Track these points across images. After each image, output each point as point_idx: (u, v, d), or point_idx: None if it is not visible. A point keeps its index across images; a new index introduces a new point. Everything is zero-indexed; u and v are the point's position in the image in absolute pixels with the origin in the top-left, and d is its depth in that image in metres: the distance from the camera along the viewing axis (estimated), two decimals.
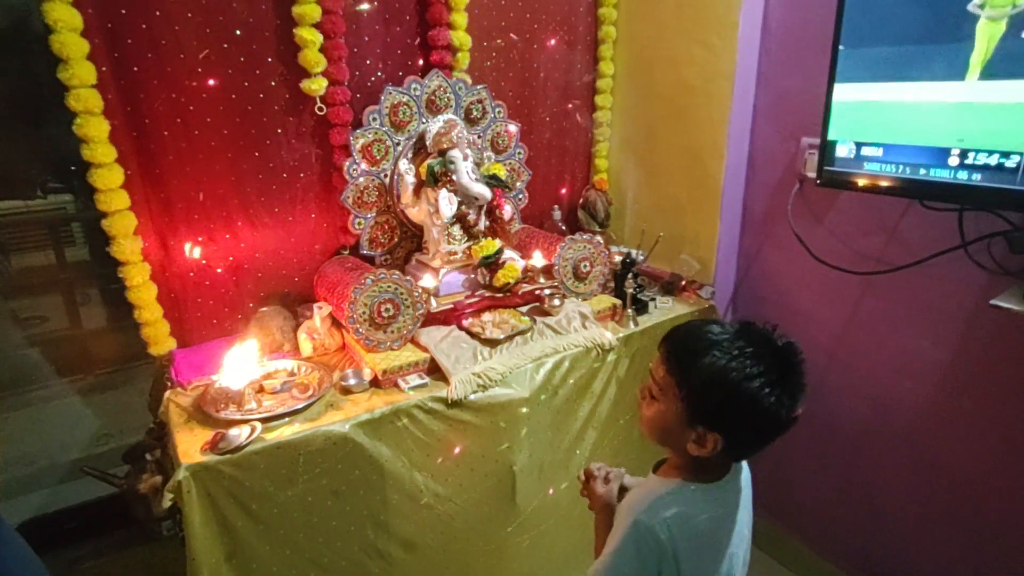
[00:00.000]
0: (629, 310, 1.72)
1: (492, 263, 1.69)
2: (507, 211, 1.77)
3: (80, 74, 1.27)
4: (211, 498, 1.18)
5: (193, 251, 1.55)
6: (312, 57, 1.51)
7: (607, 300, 1.77)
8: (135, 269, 1.44)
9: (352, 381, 1.39)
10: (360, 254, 1.74)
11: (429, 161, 1.64)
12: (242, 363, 1.40)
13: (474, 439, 1.45)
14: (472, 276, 1.72)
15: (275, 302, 1.66)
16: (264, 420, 1.26)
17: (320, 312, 1.54)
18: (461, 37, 1.74)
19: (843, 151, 1.43)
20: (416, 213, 1.69)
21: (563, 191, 2.18)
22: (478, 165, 1.78)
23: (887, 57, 1.31)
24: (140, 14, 1.36)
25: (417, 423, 1.38)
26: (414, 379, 1.42)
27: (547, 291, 1.70)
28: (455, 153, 1.62)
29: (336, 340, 1.58)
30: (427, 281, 1.63)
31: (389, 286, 1.46)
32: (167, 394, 1.39)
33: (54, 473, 1.93)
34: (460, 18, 1.72)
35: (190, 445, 1.21)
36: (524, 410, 1.49)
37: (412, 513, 1.42)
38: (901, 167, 1.34)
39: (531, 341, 1.57)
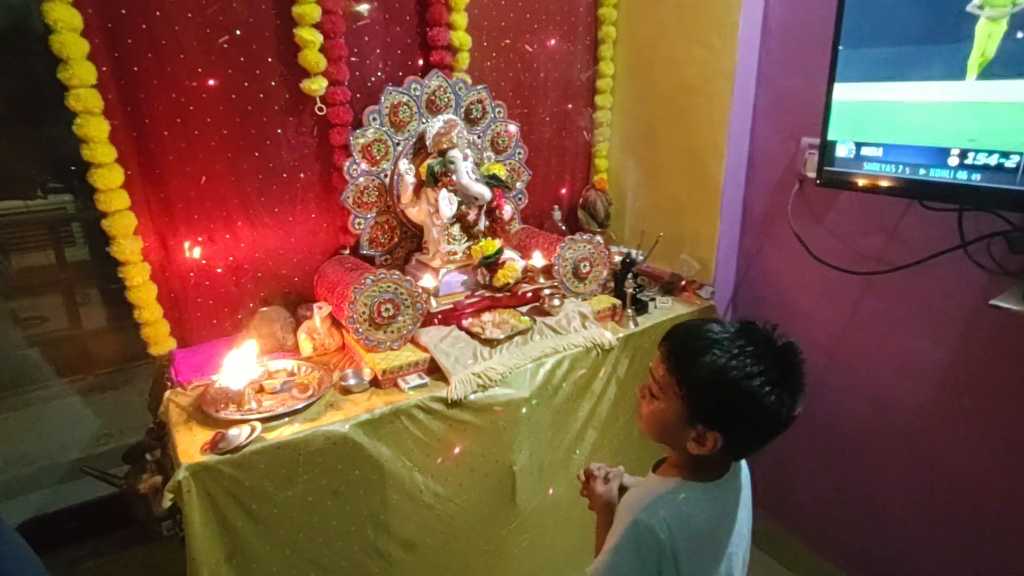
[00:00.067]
0: (629, 310, 1.72)
1: (492, 263, 1.69)
2: (507, 211, 1.78)
3: (80, 74, 1.27)
4: (211, 498, 1.18)
5: (193, 251, 1.55)
6: (312, 57, 1.52)
7: (607, 300, 1.77)
8: (135, 269, 1.44)
9: (352, 381, 1.39)
10: (360, 254, 1.74)
11: (429, 161, 1.64)
12: (242, 363, 1.40)
13: (474, 439, 1.45)
14: (472, 276, 1.72)
15: (275, 302, 1.66)
16: (264, 420, 1.26)
17: (320, 312, 1.54)
18: (461, 37, 1.74)
19: (843, 151, 1.43)
20: (416, 213, 1.69)
21: (563, 191, 2.18)
22: (478, 165, 1.78)
23: (887, 57, 1.31)
24: (140, 14, 1.36)
25: (417, 423, 1.38)
26: (414, 379, 1.42)
27: (547, 291, 1.70)
28: (455, 153, 1.62)
29: (336, 340, 1.58)
30: (427, 281, 1.63)
31: (389, 286, 1.46)
32: (167, 394, 1.39)
33: (54, 473, 1.93)
34: (460, 18, 1.72)
35: (190, 445, 1.21)
36: (524, 410, 1.49)
37: (412, 513, 1.42)
38: (901, 167, 1.34)
39: (531, 341, 1.57)
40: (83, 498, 1.89)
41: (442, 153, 1.64)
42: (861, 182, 1.41)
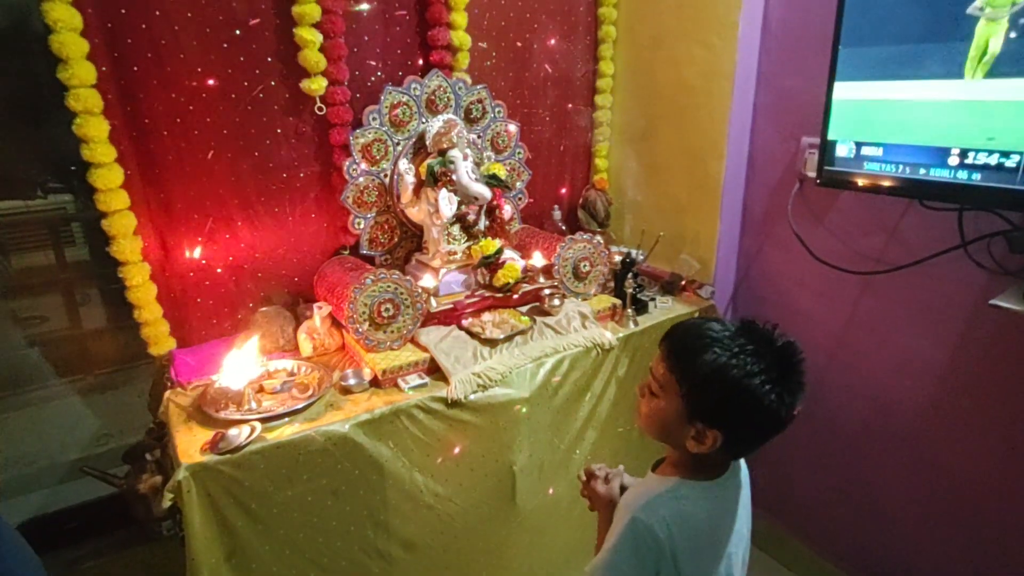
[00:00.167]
0: (629, 310, 1.72)
1: (492, 263, 1.69)
2: (507, 211, 1.78)
3: (80, 74, 1.27)
4: (211, 498, 1.18)
5: (193, 251, 1.55)
6: (312, 57, 1.51)
7: (607, 300, 1.77)
8: (135, 269, 1.44)
9: (352, 381, 1.39)
10: (360, 254, 1.74)
11: (429, 161, 1.64)
12: (242, 363, 1.40)
13: (474, 439, 1.45)
14: (472, 276, 1.72)
15: (275, 302, 1.66)
16: (264, 420, 1.26)
17: (320, 312, 1.54)
18: (461, 37, 1.74)
19: (843, 151, 1.43)
20: (416, 213, 1.69)
21: (563, 191, 2.18)
22: (478, 165, 1.78)
23: (887, 56, 1.31)
24: (140, 14, 1.36)
25: (417, 423, 1.38)
26: (414, 379, 1.42)
27: (547, 291, 1.70)
28: (455, 153, 1.62)
29: (336, 340, 1.58)
30: (427, 281, 1.63)
31: (389, 286, 1.46)
32: (167, 394, 1.39)
33: (54, 473, 1.93)
34: (460, 18, 1.72)
35: (190, 445, 1.21)
36: (524, 410, 1.49)
37: (412, 513, 1.42)
38: (901, 167, 1.34)
39: (531, 341, 1.57)
40: (83, 498, 1.88)
41: (442, 153, 1.63)
42: (861, 182, 1.41)
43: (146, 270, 1.46)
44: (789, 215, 1.72)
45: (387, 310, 1.45)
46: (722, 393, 0.84)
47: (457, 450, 1.44)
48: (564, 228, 2.10)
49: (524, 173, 1.96)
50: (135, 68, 1.39)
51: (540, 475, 1.59)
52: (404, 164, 1.69)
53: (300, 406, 1.31)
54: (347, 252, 1.75)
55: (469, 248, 1.71)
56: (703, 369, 0.85)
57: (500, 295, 1.69)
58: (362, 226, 1.70)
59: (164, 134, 1.45)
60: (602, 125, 2.15)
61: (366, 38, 1.66)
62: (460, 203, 1.65)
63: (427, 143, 1.66)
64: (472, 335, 1.54)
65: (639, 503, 0.91)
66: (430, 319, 1.56)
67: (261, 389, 1.38)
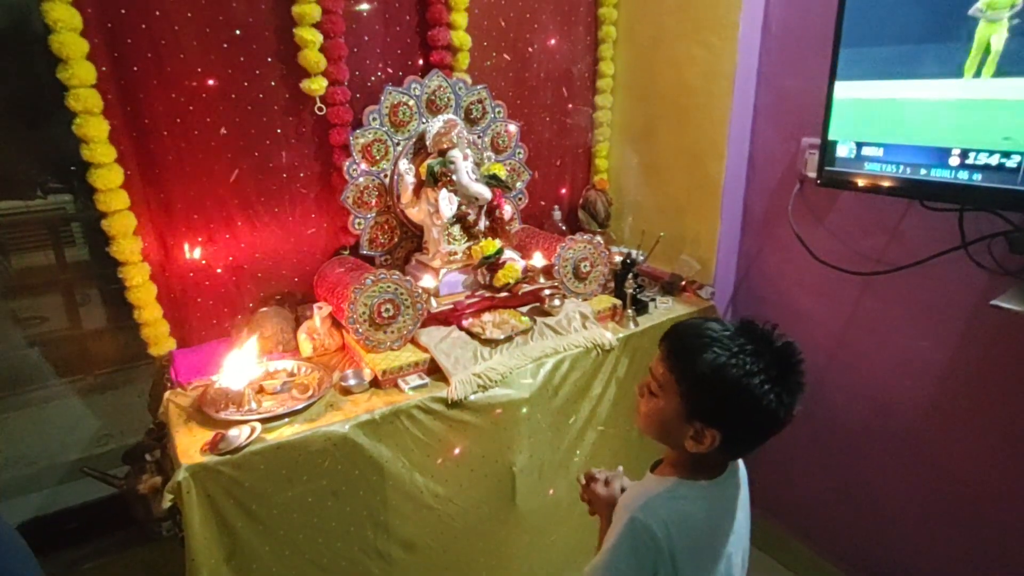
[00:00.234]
0: (629, 310, 1.72)
1: (492, 263, 1.69)
2: (507, 211, 1.77)
3: (80, 74, 1.27)
4: (211, 499, 1.18)
5: (193, 251, 1.55)
6: (312, 57, 1.51)
7: (607, 300, 1.77)
8: (135, 269, 1.44)
9: (352, 381, 1.39)
10: (360, 254, 1.74)
11: (429, 161, 1.64)
12: (242, 363, 1.40)
13: (474, 440, 1.45)
14: (472, 276, 1.72)
15: (275, 302, 1.66)
16: (264, 421, 1.26)
17: (320, 312, 1.54)
18: (461, 37, 1.74)
19: (843, 151, 1.43)
20: (416, 213, 1.69)
21: (563, 191, 2.18)
22: (478, 165, 1.78)
23: (888, 56, 1.31)
24: (140, 14, 1.36)
25: (417, 424, 1.37)
26: (414, 379, 1.42)
27: (547, 291, 1.69)
28: (455, 153, 1.62)
29: (336, 340, 1.58)
30: (427, 281, 1.63)
31: (389, 286, 1.46)
32: (167, 394, 1.39)
33: (54, 474, 1.93)
34: (460, 18, 1.72)
35: (190, 446, 1.21)
36: (524, 410, 1.49)
37: (412, 514, 1.42)
38: (901, 167, 1.34)
39: (531, 341, 1.57)
40: (83, 499, 1.89)
41: (442, 153, 1.63)
42: (862, 182, 1.41)
43: (146, 270, 1.46)
44: (789, 215, 1.72)
45: (387, 310, 1.45)
46: (721, 392, 0.84)
47: (457, 451, 1.44)
48: (564, 228, 2.10)
49: (524, 173, 1.96)
50: (135, 68, 1.39)
51: (540, 476, 1.59)
52: (404, 164, 1.69)
53: (300, 407, 1.31)
54: (347, 252, 1.75)
55: (469, 248, 1.71)
56: (702, 368, 0.85)
57: (500, 295, 1.69)
58: (362, 226, 1.70)
59: (164, 134, 1.45)
60: (602, 125, 2.15)
61: (366, 38, 1.66)
62: (460, 203, 1.65)
63: (427, 143, 1.66)
64: (472, 335, 1.54)
65: (637, 503, 0.91)
66: (430, 319, 1.56)
67: (261, 390, 1.38)
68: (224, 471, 1.18)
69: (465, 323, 1.58)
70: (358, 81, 1.66)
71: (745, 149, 1.82)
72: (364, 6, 1.63)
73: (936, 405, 1.53)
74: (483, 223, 1.74)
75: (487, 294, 1.70)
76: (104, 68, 1.33)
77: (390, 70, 1.72)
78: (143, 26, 1.37)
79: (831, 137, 1.44)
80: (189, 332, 1.59)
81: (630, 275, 1.73)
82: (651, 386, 0.93)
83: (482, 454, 1.47)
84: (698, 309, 1.82)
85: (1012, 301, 1.23)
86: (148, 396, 1.55)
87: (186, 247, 1.54)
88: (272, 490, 1.24)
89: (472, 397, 1.41)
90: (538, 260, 1.76)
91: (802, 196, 1.71)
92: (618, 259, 1.79)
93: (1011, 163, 1.17)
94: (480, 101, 1.78)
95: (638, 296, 1.76)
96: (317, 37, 1.51)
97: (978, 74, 1.18)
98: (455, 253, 1.70)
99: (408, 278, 1.48)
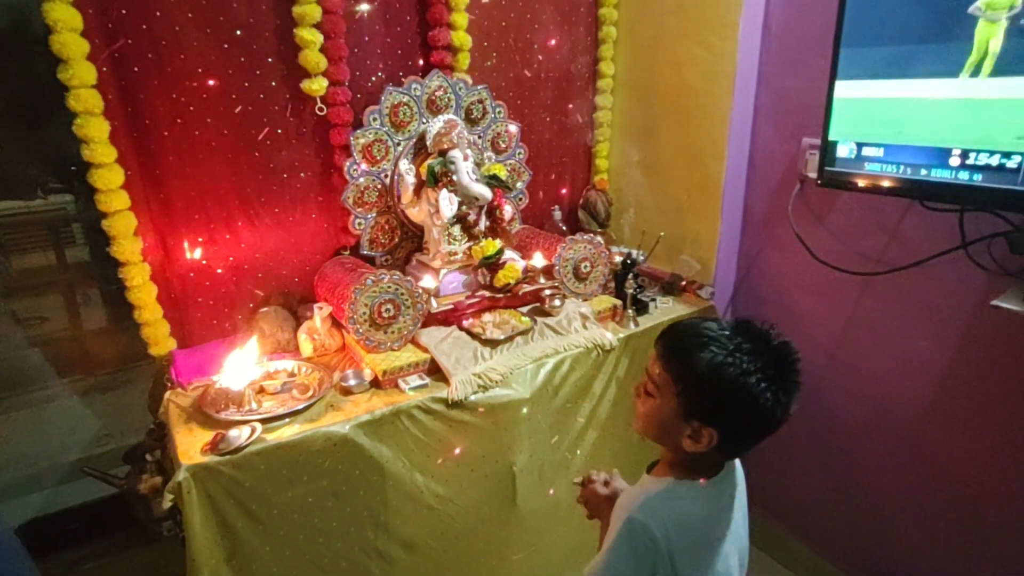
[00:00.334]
0: (629, 310, 1.72)
1: (492, 263, 1.69)
2: (507, 211, 1.77)
3: (80, 74, 1.27)
4: (211, 499, 1.18)
5: (193, 251, 1.55)
6: (312, 57, 1.51)
7: (607, 300, 1.77)
8: (135, 269, 1.44)
9: (352, 382, 1.39)
10: (360, 254, 1.74)
11: (429, 161, 1.64)
12: (242, 364, 1.40)
13: (474, 440, 1.45)
14: (472, 276, 1.72)
15: (275, 302, 1.66)
16: (264, 421, 1.26)
17: (320, 312, 1.54)
18: (461, 37, 1.74)
19: (844, 151, 1.43)
20: (416, 213, 1.69)
21: (563, 191, 2.18)
22: (478, 165, 1.78)
23: (888, 56, 1.31)
24: (140, 14, 1.36)
25: (417, 424, 1.38)
26: (414, 380, 1.42)
27: (547, 291, 1.69)
28: (455, 153, 1.62)
29: (336, 340, 1.58)
30: (427, 281, 1.63)
31: (389, 286, 1.46)
32: (167, 395, 1.39)
33: (54, 474, 1.93)
34: (460, 18, 1.72)
35: (190, 446, 1.21)
36: (524, 411, 1.49)
37: (412, 514, 1.42)
38: (902, 167, 1.34)
39: (531, 342, 1.57)
40: (83, 499, 1.88)
41: (442, 153, 1.63)
42: (862, 182, 1.41)
43: (146, 271, 1.46)
44: (790, 216, 1.72)
45: (387, 311, 1.45)
46: (719, 391, 0.84)
47: (458, 451, 1.44)
48: (564, 228, 2.10)
49: (524, 173, 1.96)
50: (136, 68, 1.38)
51: (540, 476, 1.59)
52: (405, 164, 1.69)
53: (300, 407, 1.31)
54: (347, 252, 1.75)
55: (470, 249, 1.71)
56: (699, 367, 0.85)
57: (501, 295, 1.69)
58: (362, 226, 1.70)
59: (164, 134, 1.45)
60: (602, 125, 2.15)
61: (367, 39, 1.66)
62: (460, 204, 1.65)
63: (428, 143, 1.66)
64: (473, 336, 1.54)
65: (635, 503, 0.91)
66: (431, 320, 1.56)
67: (261, 390, 1.38)
68: (224, 471, 1.18)
69: (465, 323, 1.58)
70: (358, 81, 1.66)
71: (745, 149, 1.82)
72: (364, 7, 1.63)
73: (936, 405, 1.53)
74: (483, 223, 1.74)
75: (487, 294, 1.70)
76: (105, 68, 1.33)
77: (390, 70, 1.72)
78: (144, 26, 1.37)
79: (831, 137, 1.44)
80: (189, 332, 1.59)
81: (630, 275, 1.73)
82: (648, 386, 0.93)
83: (482, 454, 1.48)
84: (698, 309, 1.82)
85: (1012, 301, 1.23)
86: (148, 396, 1.55)
87: (186, 247, 1.54)
88: (272, 490, 1.24)
89: (472, 397, 1.41)
90: (538, 260, 1.76)
91: (802, 196, 1.71)
92: (618, 259, 1.79)
93: (1011, 163, 1.17)
94: (480, 101, 1.78)
95: (638, 296, 1.76)
96: (317, 37, 1.51)
97: (976, 74, 1.18)
98: (455, 253, 1.70)
99: (408, 278, 1.49)
